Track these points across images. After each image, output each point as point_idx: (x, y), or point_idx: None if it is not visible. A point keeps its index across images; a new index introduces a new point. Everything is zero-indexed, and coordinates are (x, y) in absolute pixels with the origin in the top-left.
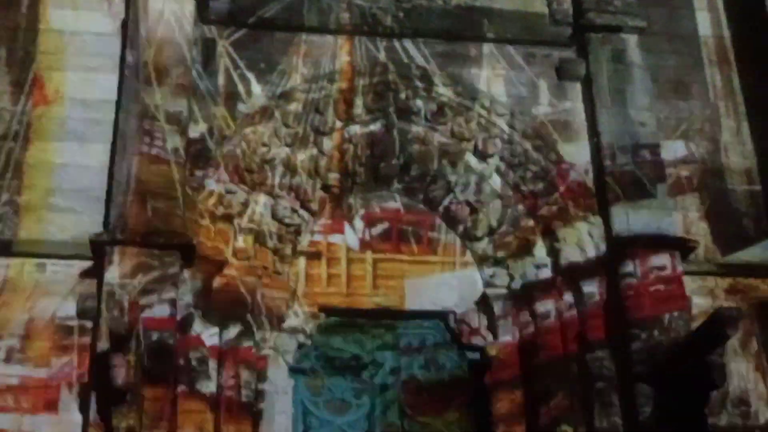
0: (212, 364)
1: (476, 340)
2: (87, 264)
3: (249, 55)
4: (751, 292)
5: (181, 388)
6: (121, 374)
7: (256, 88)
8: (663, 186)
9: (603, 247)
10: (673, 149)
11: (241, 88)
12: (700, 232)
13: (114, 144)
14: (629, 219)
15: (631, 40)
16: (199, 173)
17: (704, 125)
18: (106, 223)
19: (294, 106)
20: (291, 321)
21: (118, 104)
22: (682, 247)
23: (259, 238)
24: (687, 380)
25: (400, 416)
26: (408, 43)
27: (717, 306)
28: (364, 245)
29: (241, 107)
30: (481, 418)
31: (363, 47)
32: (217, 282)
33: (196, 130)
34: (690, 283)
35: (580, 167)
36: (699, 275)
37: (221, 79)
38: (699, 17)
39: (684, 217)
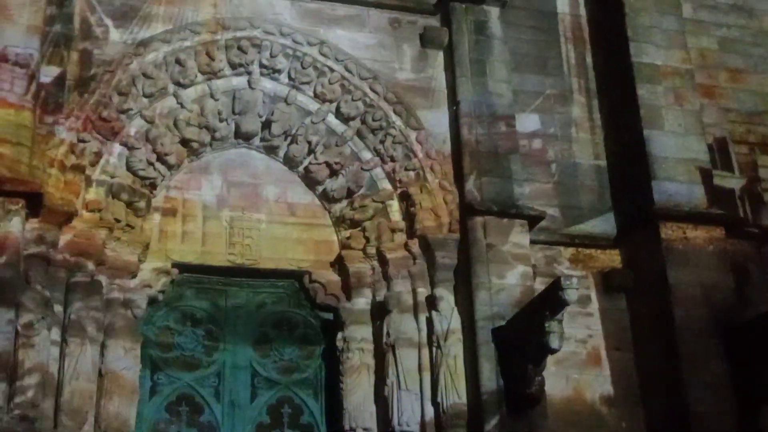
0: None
1: (330, 301)
2: None
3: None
4: (590, 262)
5: None
6: None
7: (114, 34)
8: (516, 157)
9: (457, 215)
10: (527, 122)
11: (98, 32)
12: (548, 203)
13: None
14: (482, 189)
15: (493, 13)
16: (49, 120)
17: (557, 100)
18: None
19: (153, 56)
20: (143, 276)
21: None
22: (530, 217)
23: (111, 190)
24: (527, 343)
25: (251, 375)
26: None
27: (559, 274)
28: (221, 202)
29: (98, 53)
30: (332, 379)
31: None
32: (65, 234)
33: (48, 75)
34: (536, 252)
35: (439, 134)
36: (545, 244)
37: (77, 23)
38: None
39: (534, 188)
